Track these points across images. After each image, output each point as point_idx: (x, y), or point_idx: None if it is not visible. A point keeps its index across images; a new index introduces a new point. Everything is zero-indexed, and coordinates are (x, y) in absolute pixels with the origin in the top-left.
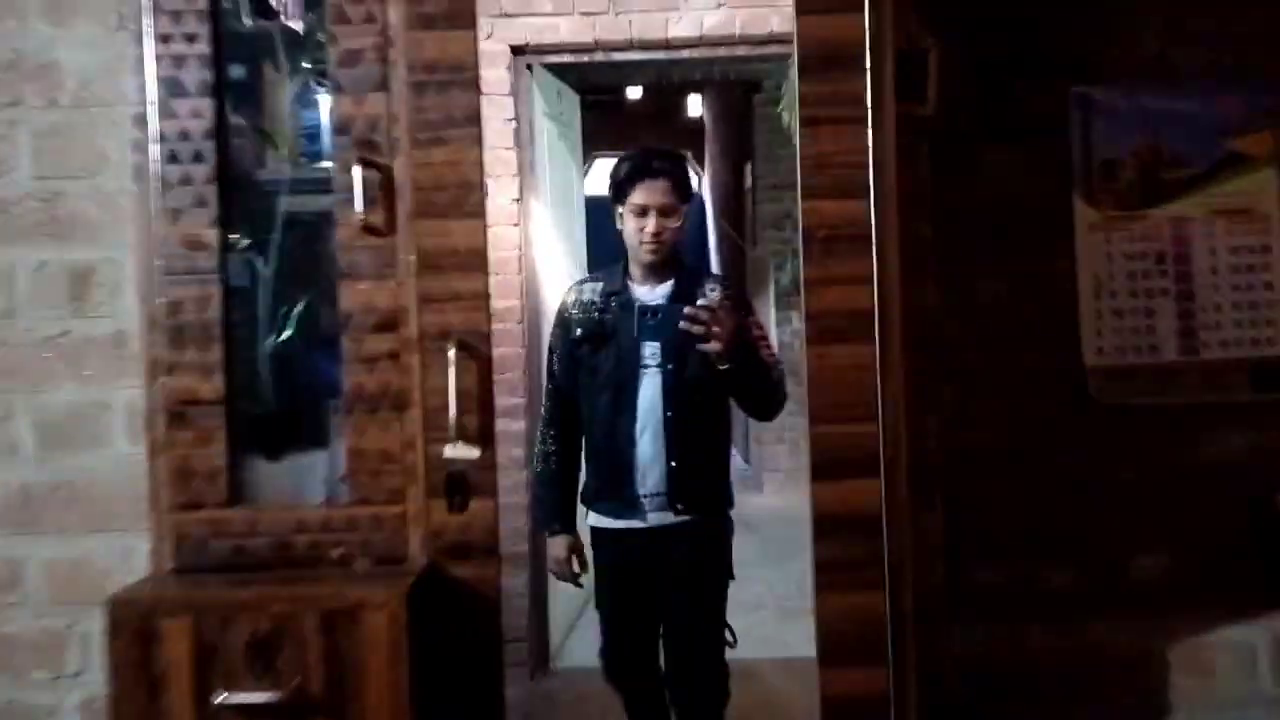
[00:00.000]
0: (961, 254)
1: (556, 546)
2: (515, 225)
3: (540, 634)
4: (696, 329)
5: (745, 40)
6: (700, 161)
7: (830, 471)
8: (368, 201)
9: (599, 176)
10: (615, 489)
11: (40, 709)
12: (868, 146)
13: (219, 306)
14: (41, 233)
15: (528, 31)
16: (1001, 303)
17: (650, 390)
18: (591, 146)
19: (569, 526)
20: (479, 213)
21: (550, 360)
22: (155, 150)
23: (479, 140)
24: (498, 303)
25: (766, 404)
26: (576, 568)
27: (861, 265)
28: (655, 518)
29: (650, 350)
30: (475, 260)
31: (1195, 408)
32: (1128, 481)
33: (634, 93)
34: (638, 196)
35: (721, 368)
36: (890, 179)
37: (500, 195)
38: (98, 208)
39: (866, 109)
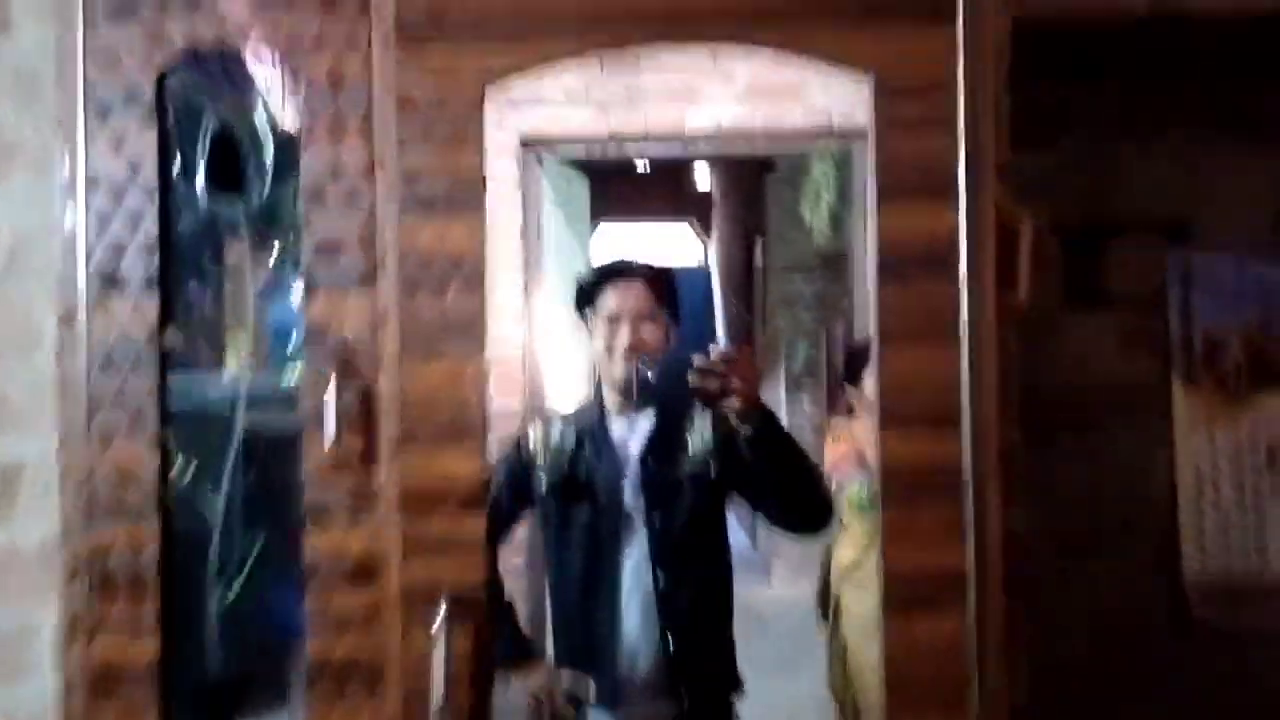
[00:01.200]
0: (1038, 443)
1: (534, 677)
2: (519, 324)
3: None
4: (711, 385)
5: (766, 134)
6: (706, 230)
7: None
8: (343, 425)
9: (605, 242)
10: (595, 679)
11: None
12: (957, 365)
13: (155, 551)
14: None
15: (537, 120)
16: (1084, 501)
17: (636, 551)
18: (598, 212)
19: (532, 649)
20: (479, 436)
21: (495, 492)
22: (82, 354)
23: (482, 349)
24: (500, 404)
25: (806, 501)
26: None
27: (950, 510)
28: (648, 713)
29: (633, 499)
30: (474, 498)
31: None
32: (1239, 713)
33: (642, 162)
34: (608, 303)
35: (744, 432)
36: (989, 395)
37: (504, 291)
38: (28, 396)
39: (956, 321)
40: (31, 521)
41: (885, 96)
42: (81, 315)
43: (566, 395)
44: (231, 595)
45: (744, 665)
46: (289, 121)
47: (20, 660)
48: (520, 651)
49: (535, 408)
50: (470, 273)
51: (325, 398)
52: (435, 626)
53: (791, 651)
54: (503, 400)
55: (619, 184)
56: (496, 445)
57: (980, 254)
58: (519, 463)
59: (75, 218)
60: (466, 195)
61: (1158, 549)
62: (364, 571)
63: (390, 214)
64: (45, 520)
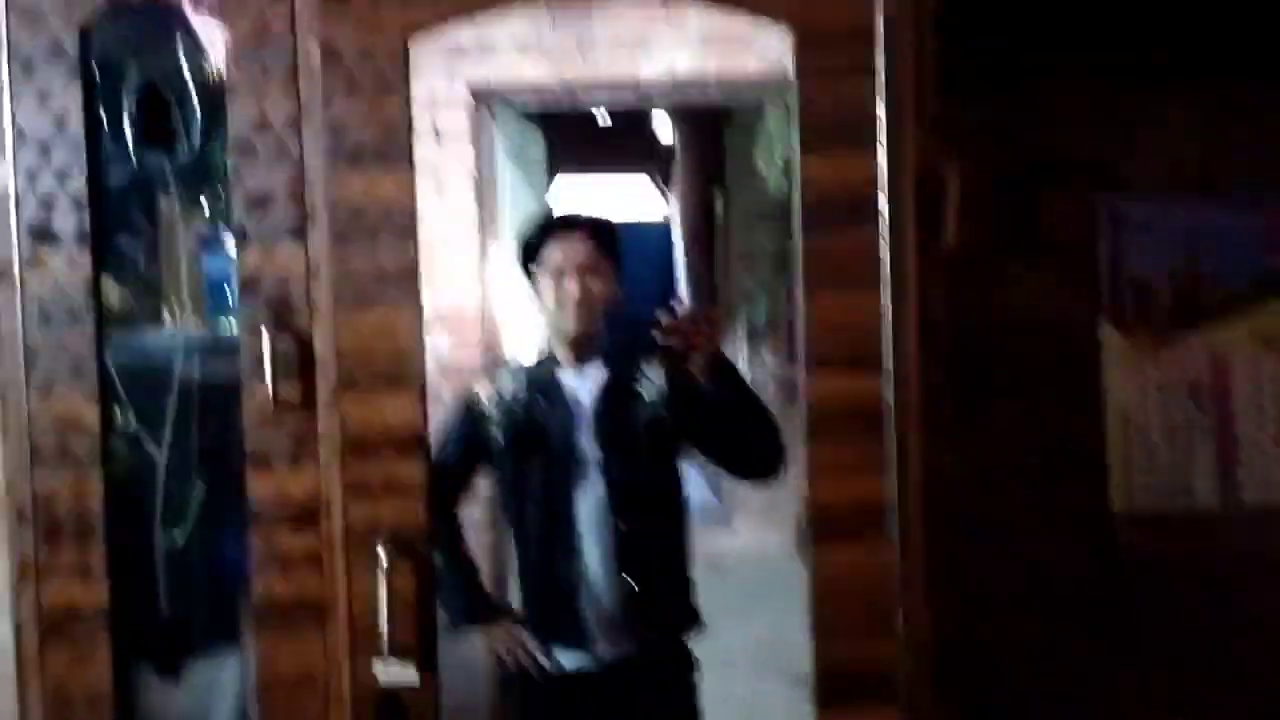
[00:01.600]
0: (972, 388)
1: (499, 632)
2: (475, 278)
3: None
4: (676, 342)
5: (720, 83)
6: (667, 184)
7: (838, 699)
8: (279, 371)
9: (563, 195)
10: (559, 625)
11: None
12: (881, 308)
13: (100, 498)
14: None
15: (488, 71)
16: (1020, 437)
17: (593, 498)
18: (558, 164)
19: (496, 607)
20: (415, 380)
21: (442, 447)
22: (19, 308)
23: (417, 296)
24: (458, 359)
25: (762, 450)
26: (533, 654)
27: (872, 451)
28: (611, 652)
29: (588, 447)
30: (411, 441)
31: (1238, 559)
32: (1163, 641)
33: (600, 114)
34: (552, 256)
35: (707, 386)
36: (909, 338)
37: (459, 245)
38: None
39: (880, 265)
40: None
41: (808, 47)
42: (16, 270)
43: (524, 347)
44: (178, 539)
45: (707, 610)
46: (203, 78)
47: None
48: (485, 609)
49: (489, 363)
50: (402, 223)
51: (261, 348)
52: (378, 566)
53: (752, 597)
54: (461, 353)
55: (576, 136)
56: (449, 399)
57: (901, 201)
58: (470, 420)
59: (4, 173)
60: (394, 146)
61: (1087, 484)
62: (306, 515)
63: (319, 166)
64: None
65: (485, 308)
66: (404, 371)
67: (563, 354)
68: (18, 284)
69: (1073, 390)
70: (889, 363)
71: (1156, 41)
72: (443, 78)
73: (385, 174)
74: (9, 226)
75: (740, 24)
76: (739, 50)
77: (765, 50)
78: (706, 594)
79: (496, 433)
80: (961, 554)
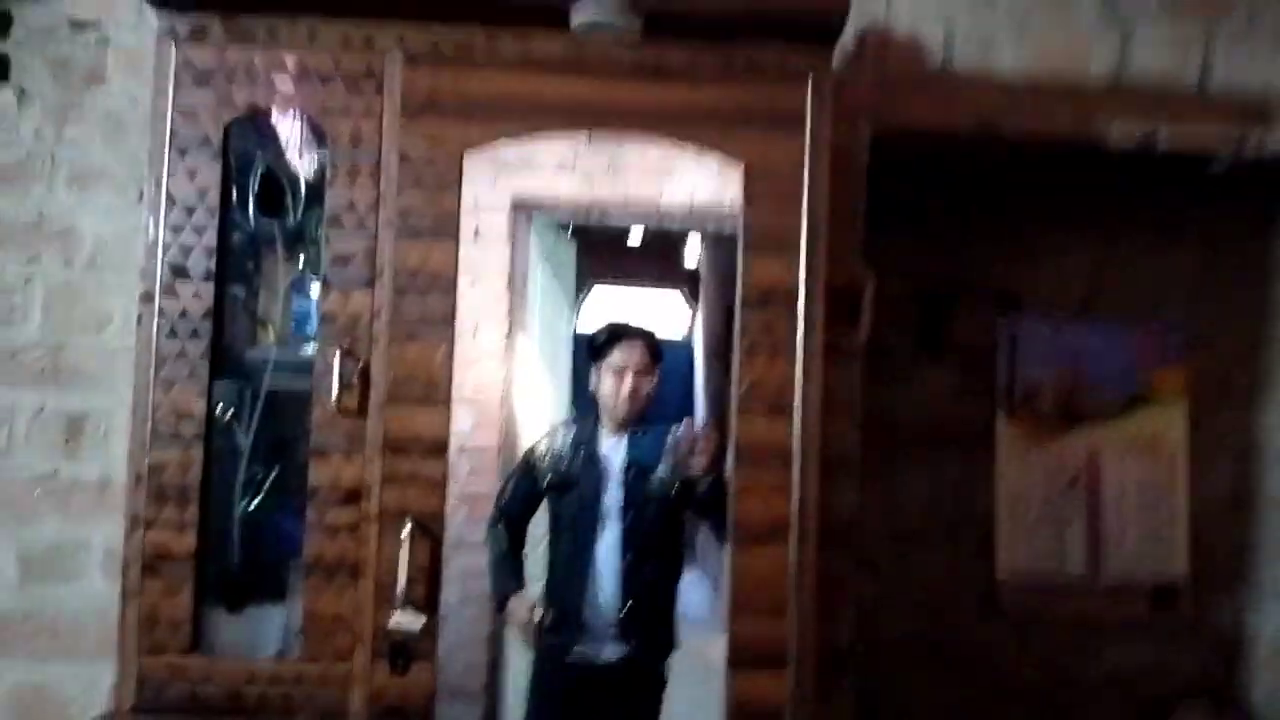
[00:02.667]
0: (888, 460)
1: (524, 601)
2: (500, 367)
3: None
4: (683, 454)
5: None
6: (695, 298)
7: (747, 666)
8: (344, 386)
9: (596, 306)
10: (571, 625)
11: None
12: (794, 374)
13: (199, 471)
14: (44, 380)
15: (528, 183)
16: (924, 507)
17: (611, 537)
18: (592, 275)
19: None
20: (445, 402)
21: (504, 488)
22: (155, 324)
23: (451, 338)
24: (478, 439)
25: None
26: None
27: (781, 477)
28: (608, 652)
29: (613, 499)
30: (438, 447)
31: (1099, 621)
32: (1034, 687)
33: (636, 230)
34: (616, 357)
35: (702, 485)
36: (814, 399)
37: (490, 334)
38: (97, 362)
39: (796, 341)
40: (91, 460)
41: (753, 180)
42: (156, 296)
43: (537, 432)
44: (250, 508)
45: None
46: (309, 169)
47: (75, 566)
48: (519, 584)
49: (506, 444)
50: (445, 284)
51: (332, 367)
52: (403, 538)
53: None
54: (481, 433)
55: (607, 250)
56: (465, 474)
57: (812, 298)
58: (529, 466)
59: (158, 226)
60: (445, 228)
61: (977, 549)
62: (352, 496)
63: (388, 238)
64: (101, 459)
65: (507, 394)
66: (435, 393)
67: (605, 428)
68: (156, 306)
69: (970, 468)
70: (796, 416)
71: (1051, 192)
72: (488, 186)
73: (436, 247)
74: (156, 264)
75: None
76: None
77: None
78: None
79: (546, 478)
80: (851, 571)
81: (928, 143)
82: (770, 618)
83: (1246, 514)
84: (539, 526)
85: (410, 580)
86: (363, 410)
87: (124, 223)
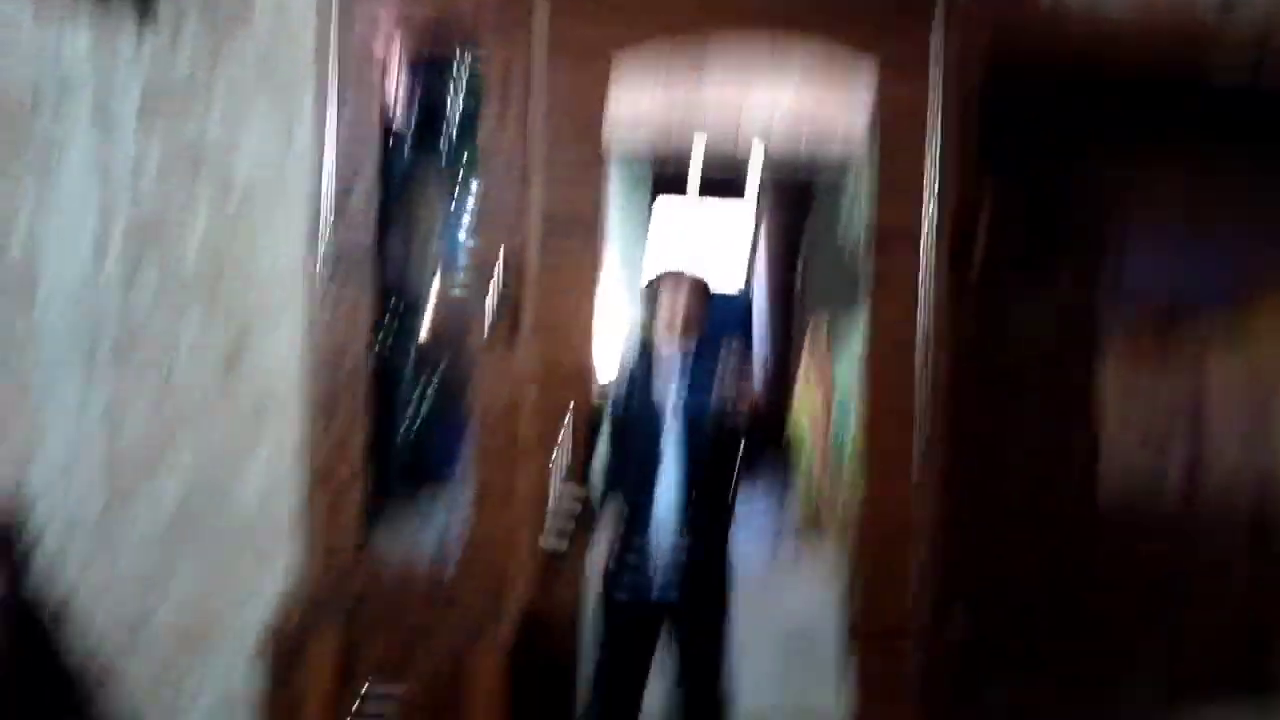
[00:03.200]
0: (997, 383)
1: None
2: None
3: None
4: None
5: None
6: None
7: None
8: (496, 320)
9: (665, 219)
10: (635, 522)
11: (185, 693)
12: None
13: (368, 384)
14: (211, 301)
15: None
16: (1032, 430)
17: (673, 435)
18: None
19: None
20: (585, 325)
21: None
22: (319, 255)
23: (596, 279)
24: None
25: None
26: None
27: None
28: (671, 549)
29: (674, 401)
30: (578, 361)
31: (1201, 534)
32: (1137, 599)
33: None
34: (666, 297)
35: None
36: (939, 338)
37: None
38: (258, 287)
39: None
40: (252, 384)
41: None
42: (322, 228)
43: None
44: (413, 430)
45: None
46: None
47: (249, 472)
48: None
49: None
50: (586, 225)
51: (486, 301)
52: (562, 424)
53: None
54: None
55: (679, 164)
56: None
57: (940, 237)
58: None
59: (322, 160)
60: (589, 173)
61: (1081, 473)
62: (505, 422)
63: (537, 182)
64: (262, 384)
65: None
66: (577, 319)
67: (660, 359)
68: (322, 238)
69: (1078, 390)
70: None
71: (1157, 123)
72: None
73: (578, 191)
74: (320, 196)
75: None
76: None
77: (850, 132)
78: None
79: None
80: (972, 496)
81: (1038, 76)
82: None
83: None
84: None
85: (573, 454)
86: (514, 335)
87: (278, 157)
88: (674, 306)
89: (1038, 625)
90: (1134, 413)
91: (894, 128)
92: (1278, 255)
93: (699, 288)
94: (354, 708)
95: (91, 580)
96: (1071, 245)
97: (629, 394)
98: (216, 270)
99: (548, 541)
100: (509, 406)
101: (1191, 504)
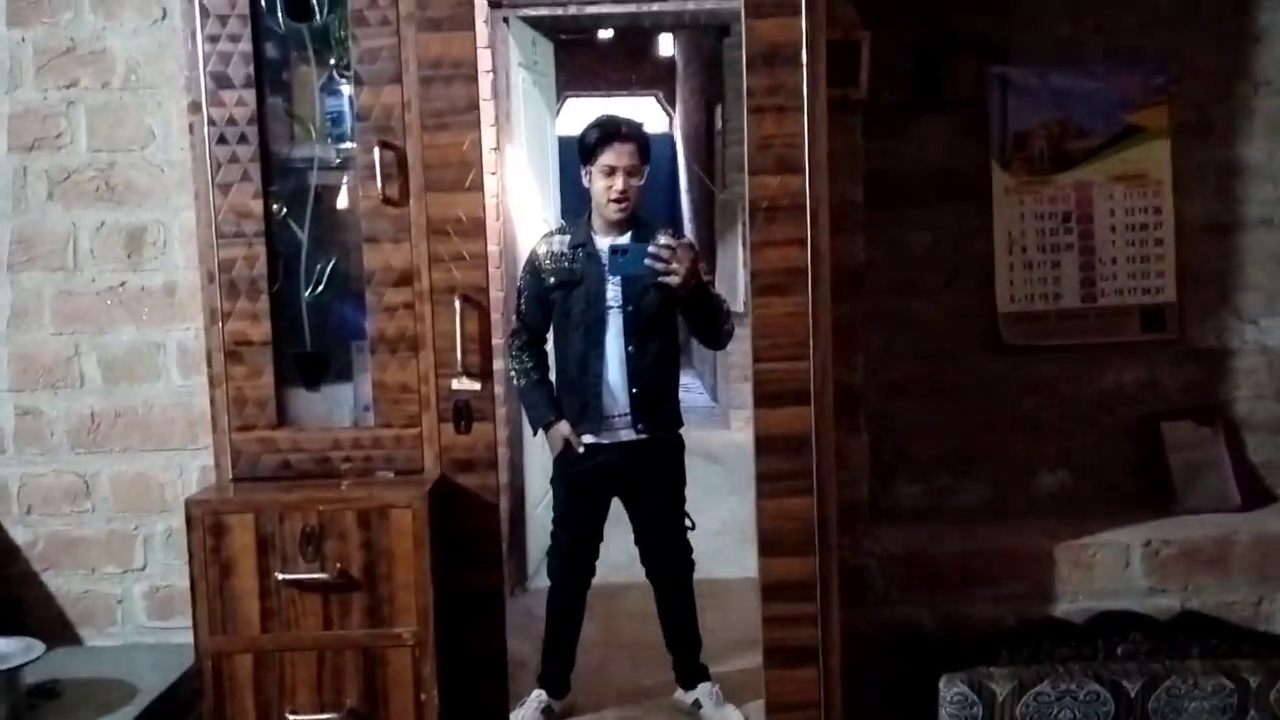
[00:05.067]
0: (891, 212)
1: (561, 429)
2: (492, 174)
3: (519, 555)
4: (659, 265)
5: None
6: (671, 102)
7: (770, 401)
8: (385, 177)
9: (571, 117)
10: (587, 413)
11: (111, 597)
12: (802, 129)
13: (264, 264)
14: (99, 198)
15: None
16: (925, 255)
17: (615, 328)
18: (565, 87)
19: (561, 414)
20: (479, 186)
21: (519, 300)
22: (205, 132)
23: (478, 125)
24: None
25: (717, 332)
26: (576, 442)
27: (797, 229)
28: (622, 435)
29: (613, 294)
30: (476, 227)
31: (1093, 347)
32: (1033, 411)
33: (606, 32)
34: (606, 158)
35: (681, 296)
36: (821, 154)
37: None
38: (147, 177)
39: (802, 97)
40: (155, 269)
41: None
42: (204, 107)
43: (533, 238)
44: (315, 295)
45: (708, 488)
46: None
47: (153, 367)
48: (554, 416)
49: (501, 255)
50: (466, 72)
51: (373, 159)
52: (454, 313)
53: (742, 480)
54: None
55: (585, 56)
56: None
57: (815, 54)
58: (533, 272)
59: (196, 38)
60: (461, 16)
61: (977, 292)
62: (404, 278)
63: (410, 32)
64: (164, 267)
65: (501, 204)
66: (470, 178)
67: (600, 228)
68: (205, 115)
69: (968, 214)
70: (807, 170)
71: None
72: None
73: (456, 36)
74: (199, 74)
75: None
76: None
77: None
78: (705, 478)
79: (549, 278)
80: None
81: None
82: (791, 360)
83: (1227, 239)
84: None
85: (465, 349)
86: (404, 198)
87: (152, 41)
88: (615, 164)
89: (939, 431)
90: (1026, 230)
91: None
92: (1157, 69)
93: (643, 142)
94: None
95: (12, 486)
96: (958, 71)
97: (570, 260)
98: (109, 160)
99: (460, 383)
100: (406, 265)
101: (1087, 309)
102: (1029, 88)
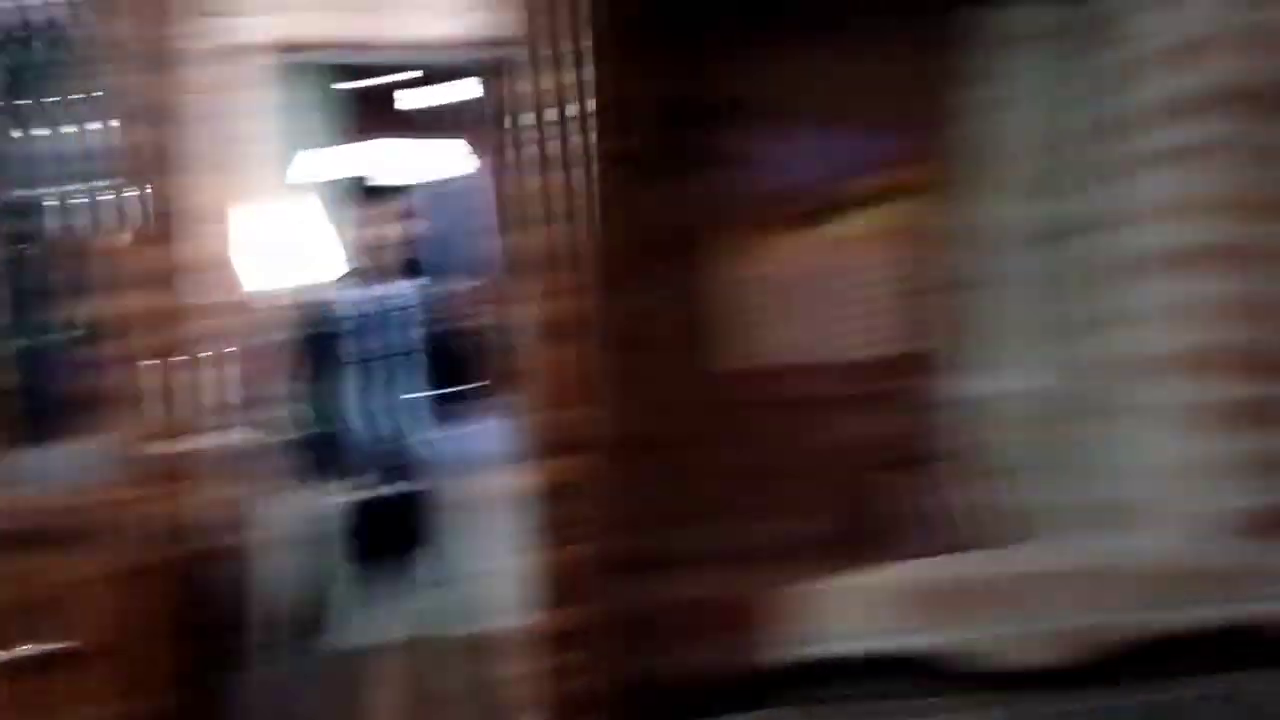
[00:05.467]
0: (657, 265)
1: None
2: (246, 220)
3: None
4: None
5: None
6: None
7: (544, 451)
8: (107, 223)
9: (364, 156)
10: (349, 460)
11: None
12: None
13: None
14: None
15: (284, 27)
16: (687, 307)
17: (384, 375)
18: (361, 129)
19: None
20: (200, 234)
21: (288, 348)
22: None
23: (200, 169)
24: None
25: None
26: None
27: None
28: (367, 481)
29: (378, 345)
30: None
31: (819, 400)
32: (763, 464)
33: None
34: (369, 210)
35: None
36: (590, 207)
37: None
38: None
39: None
40: None
41: None
42: None
43: (266, 284)
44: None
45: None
46: None
47: None
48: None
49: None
50: (181, 113)
51: (94, 203)
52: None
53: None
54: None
55: (382, 93)
56: None
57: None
58: (305, 320)
59: None
60: (179, 56)
61: (735, 342)
62: (121, 329)
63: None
64: None
65: (247, 251)
66: (193, 225)
67: (369, 274)
68: None
69: (705, 272)
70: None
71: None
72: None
73: (170, 78)
74: None
75: None
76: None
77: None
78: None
79: (316, 328)
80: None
81: None
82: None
83: (962, 297)
84: None
85: (195, 405)
86: (124, 244)
87: None
88: (371, 217)
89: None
90: (765, 287)
91: None
92: (896, 133)
93: (399, 198)
94: None
95: None
96: (704, 130)
97: (320, 321)
98: None
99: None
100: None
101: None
102: (772, 147)
